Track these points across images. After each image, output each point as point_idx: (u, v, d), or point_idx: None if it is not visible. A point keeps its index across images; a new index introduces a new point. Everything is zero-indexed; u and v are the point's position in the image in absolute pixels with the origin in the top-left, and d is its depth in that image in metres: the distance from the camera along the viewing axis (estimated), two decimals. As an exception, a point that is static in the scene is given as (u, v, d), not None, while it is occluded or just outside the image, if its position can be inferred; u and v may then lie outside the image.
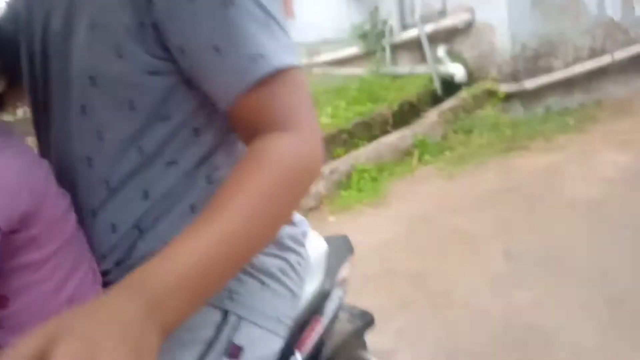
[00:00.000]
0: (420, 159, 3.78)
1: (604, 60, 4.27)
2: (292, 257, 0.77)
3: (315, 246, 0.91)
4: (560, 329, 1.92)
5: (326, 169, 3.53)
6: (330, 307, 0.93)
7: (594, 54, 4.28)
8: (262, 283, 0.72)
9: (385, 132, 4.07)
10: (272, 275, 0.73)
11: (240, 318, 0.69)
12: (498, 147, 3.63)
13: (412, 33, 4.56)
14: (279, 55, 0.59)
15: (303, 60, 6.08)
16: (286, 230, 0.76)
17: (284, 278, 0.75)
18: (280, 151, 0.57)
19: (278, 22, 0.61)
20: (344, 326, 1.06)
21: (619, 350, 1.76)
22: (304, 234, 0.83)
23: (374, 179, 3.54)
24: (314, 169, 0.61)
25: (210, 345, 0.67)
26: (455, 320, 2.09)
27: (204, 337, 0.67)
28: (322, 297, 0.91)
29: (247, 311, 0.70)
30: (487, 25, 4.09)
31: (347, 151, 3.84)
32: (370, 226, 3.06)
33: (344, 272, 1.00)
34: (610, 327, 1.88)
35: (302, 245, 0.81)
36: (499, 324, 2.01)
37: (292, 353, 0.82)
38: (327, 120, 4.12)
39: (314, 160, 0.61)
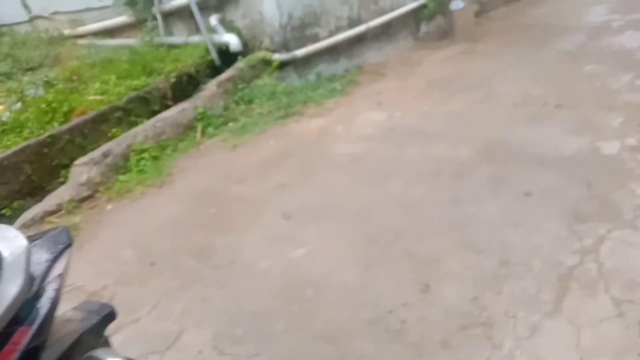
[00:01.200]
0: (204, 132, 3.73)
1: (361, 28, 4.76)
2: None
3: (10, 247, 0.80)
4: (330, 275, 2.14)
5: (98, 152, 3.22)
6: (40, 312, 0.84)
7: (352, 23, 4.73)
8: None
9: (164, 106, 3.88)
10: None
11: None
12: (276, 115, 3.79)
13: (182, 1, 4.37)
14: None
15: (65, 31, 5.37)
16: None
17: None
18: None
19: None
20: (74, 326, 0.98)
21: (378, 282, 2.04)
22: None
23: (155, 158, 3.38)
24: None
25: None
26: (239, 287, 2.16)
27: None
28: (25, 304, 0.81)
29: None
30: (254, -6, 4.16)
31: (123, 130, 3.56)
32: (153, 208, 2.92)
33: (59, 268, 0.91)
34: (370, 265, 2.16)
35: None
36: (279, 282, 2.14)
37: None
38: (96, 97, 3.74)
39: None
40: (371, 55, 4.89)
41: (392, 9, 5.03)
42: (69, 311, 1.09)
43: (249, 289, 2.15)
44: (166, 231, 2.67)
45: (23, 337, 0.79)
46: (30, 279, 0.85)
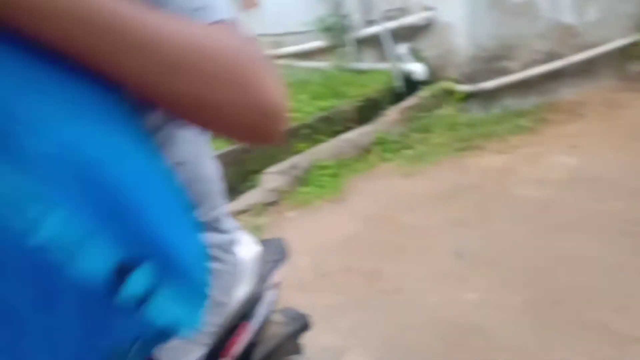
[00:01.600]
0: (380, 157, 3.84)
1: (558, 63, 4.42)
2: (217, 266, 0.79)
3: (247, 251, 0.93)
4: (504, 329, 2.01)
5: (286, 164, 3.54)
6: (260, 312, 0.95)
7: (548, 57, 4.42)
8: None
9: (346, 128, 4.10)
10: None
11: None
12: (455, 147, 3.72)
13: (375, 29, 4.59)
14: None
15: (267, 52, 6.04)
16: (212, 238, 0.79)
17: None
18: (232, 35, 0.55)
19: None
20: (278, 330, 1.08)
21: (558, 351, 1.86)
22: (232, 242, 0.85)
23: (334, 175, 3.58)
24: (249, 67, 0.54)
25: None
26: (404, 318, 2.16)
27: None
28: (251, 303, 0.93)
29: None
30: (447, 25, 4.17)
31: (308, 146, 3.86)
32: (328, 223, 3.10)
33: (276, 276, 1.02)
34: (551, 328, 1.98)
35: (229, 252, 0.83)
36: (446, 324, 2.09)
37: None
38: (289, 114, 4.12)
39: (254, 63, 0.54)
40: (566, 93, 4.50)
41: (595, 45, 4.56)
42: (274, 314, 1.20)
43: (414, 322, 2.14)
44: (338, 246, 2.81)
45: (245, 332, 0.91)
46: (259, 281, 0.97)
